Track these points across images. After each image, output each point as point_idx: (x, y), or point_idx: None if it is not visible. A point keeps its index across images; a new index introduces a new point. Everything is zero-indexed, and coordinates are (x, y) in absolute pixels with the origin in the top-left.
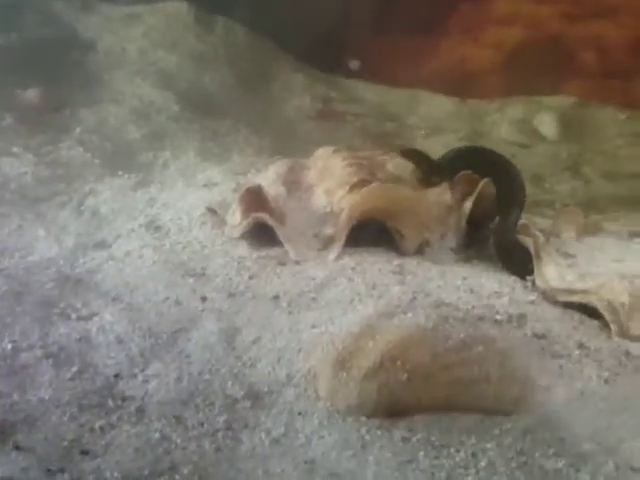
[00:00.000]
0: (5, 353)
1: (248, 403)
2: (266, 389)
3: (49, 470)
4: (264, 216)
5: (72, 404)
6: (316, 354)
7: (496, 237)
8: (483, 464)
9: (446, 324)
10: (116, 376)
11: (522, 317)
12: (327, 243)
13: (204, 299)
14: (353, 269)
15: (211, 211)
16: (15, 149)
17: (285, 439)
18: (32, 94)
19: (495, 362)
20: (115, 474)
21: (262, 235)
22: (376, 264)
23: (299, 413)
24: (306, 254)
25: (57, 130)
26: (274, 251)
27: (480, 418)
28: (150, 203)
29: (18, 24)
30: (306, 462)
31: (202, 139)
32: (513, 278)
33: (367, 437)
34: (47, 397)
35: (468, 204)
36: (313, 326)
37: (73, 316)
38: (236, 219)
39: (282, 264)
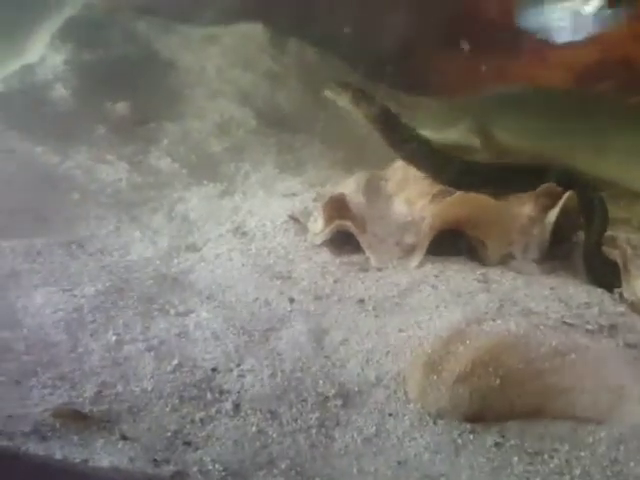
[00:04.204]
0: (109, 345)
1: (339, 401)
2: (356, 389)
3: (155, 460)
4: (347, 224)
5: (173, 396)
6: (405, 357)
7: (583, 250)
8: (577, 472)
9: (537, 331)
10: (213, 370)
11: (613, 327)
12: (408, 251)
13: (292, 300)
14: (436, 276)
15: (293, 219)
16: (109, 157)
17: (377, 439)
18: (121, 107)
19: (588, 370)
20: (217, 466)
21: (343, 242)
22: (459, 272)
23: (390, 414)
24: (387, 261)
25: (146, 141)
26: (355, 258)
27: (573, 426)
28: (235, 210)
29: (104, 42)
30: (399, 463)
31: (279, 152)
32: (601, 290)
33: (459, 441)
34: (150, 388)
35: (552, 216)
36: (400, 330)
37: (172, 312)
38: (318, 226)
39: (364, 270)
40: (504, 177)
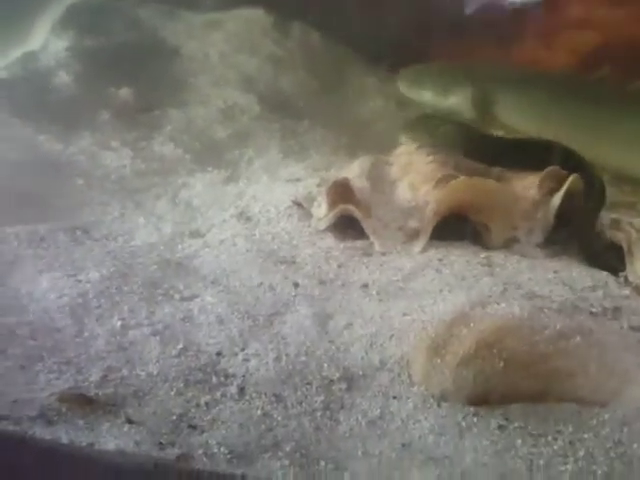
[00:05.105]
0: (115, 330)
1: (344, 385)
2: (360, 372)
3: (161, 444)
4: (351, 208)
5: (178, 379)
6: (409, 340)
7: (578, 234)
8: (581, 453)
9: (541, 314)
10: (218, 354)
11: (617, 310)
12: (412, 236)
13: (296, 285)
14: (440, 260)
15: (297, 204)
16: (114, 143)
17: (381, 421)
18: (125, 93)
19: (593, 353)
20: (222, 449)
21: (347, 227)
22: (463, 256)
23: (394, 397)
24: (391, 246)
25: (150, 127)
26: (359, 242)
27: (576, 409)
28: (239, 196)
29: (106, 28)
30: (403, 445)
31: (282, 138)
32: (605, 273)
33: (463, 423)
34: (155, 372)
35: (556, 200)
36: (404, 314)
37: (176, 297)
38: (322, 211)
39: (368, 255)
40: (514, 152)
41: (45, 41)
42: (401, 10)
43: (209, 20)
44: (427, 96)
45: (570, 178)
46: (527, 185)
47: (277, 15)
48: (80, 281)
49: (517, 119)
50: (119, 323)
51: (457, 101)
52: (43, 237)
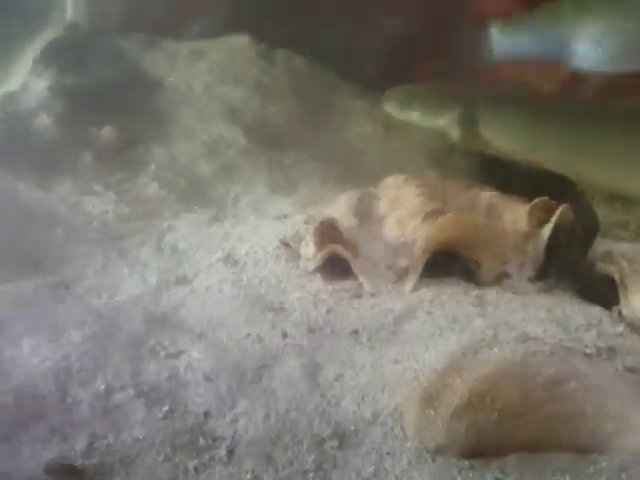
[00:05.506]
0: (99, 394)
1: (336, 442)
2: (352, 428)
3: None
4: (338, 248)
5: (165, 444)
6: (401, 391)
7: (569, 268)
8: None
9: (534, 359)
10: (206, 414)
11: (612, 350)
12: (402, 274)
13: (285, 335)
14: (431, 302)
15: (285, 244)
16: (96, 187)
17: (375, 479)
18: (107, 132)
19: (588, 398)
20: None
21: (335, 267)
22: (454, 295)
23: (388, 453)
24: (381, 286)
25: (133, 167)
26: (348, 283)
27: (574, 457)
28: (225, 237)
29: (88, 64)
30: None
31: (269, 171)
32: (598, 308)
33: (459, 479)
34: (141, 437)
35: (546, 231)
36: (395, 361)
37: (162, 354)
38: (310, 252)
39: (358, 297)
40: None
41: (25, 81)
42: (387, 33)
43: (192, 49)
44: (414, 116)
45: (559, 209)
46: (517, 217)
47: (261, 42)
48: (63, 344)
49: (504, 140)
50: (103, 387)
51: (444, 122)
52: (26, 297)
